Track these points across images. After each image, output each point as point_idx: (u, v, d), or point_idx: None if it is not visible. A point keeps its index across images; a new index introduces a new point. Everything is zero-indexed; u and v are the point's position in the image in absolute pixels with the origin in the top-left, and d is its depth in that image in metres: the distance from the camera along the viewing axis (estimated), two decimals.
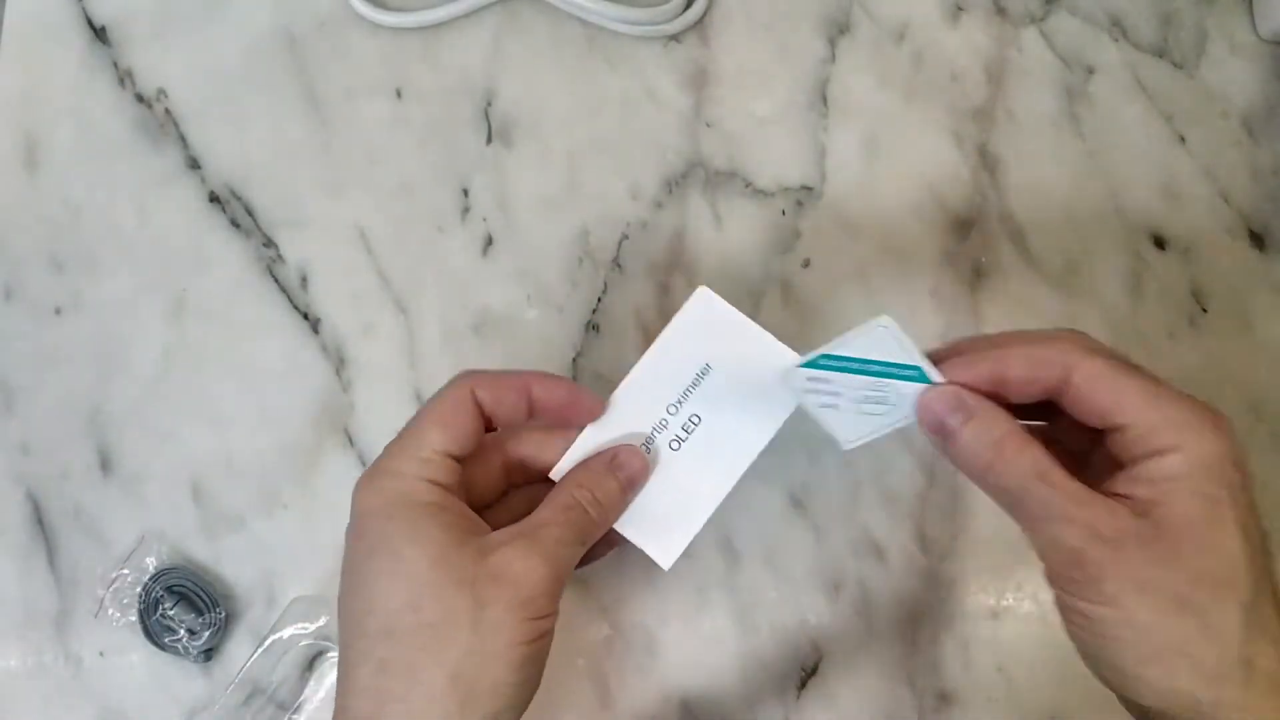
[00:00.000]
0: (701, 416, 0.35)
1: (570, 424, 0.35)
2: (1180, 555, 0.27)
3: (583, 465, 0.35)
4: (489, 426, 0.34)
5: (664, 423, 0.35)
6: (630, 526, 0.35)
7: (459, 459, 0.33)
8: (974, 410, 0.30)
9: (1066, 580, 0.28)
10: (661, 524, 0.35)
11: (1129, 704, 0.29)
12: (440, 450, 0.32)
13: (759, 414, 0.35)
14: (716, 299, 0.35)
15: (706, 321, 0.35)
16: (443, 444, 0.32)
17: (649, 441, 0.35)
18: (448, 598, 0.30)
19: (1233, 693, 0.26)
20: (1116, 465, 0.29)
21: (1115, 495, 0.28)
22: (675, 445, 0.35)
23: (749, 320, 0.35)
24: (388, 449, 0.33)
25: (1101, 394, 0.29)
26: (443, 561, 0.30)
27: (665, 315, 0.37)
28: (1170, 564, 0.27)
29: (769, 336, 0.35)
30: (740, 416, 0.35)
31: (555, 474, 0.35)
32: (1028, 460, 0.29)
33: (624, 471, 0.34)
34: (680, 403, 0.35)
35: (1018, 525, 0.30)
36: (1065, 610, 0.29)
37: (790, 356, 0.34)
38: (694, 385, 0.35)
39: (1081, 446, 0.32)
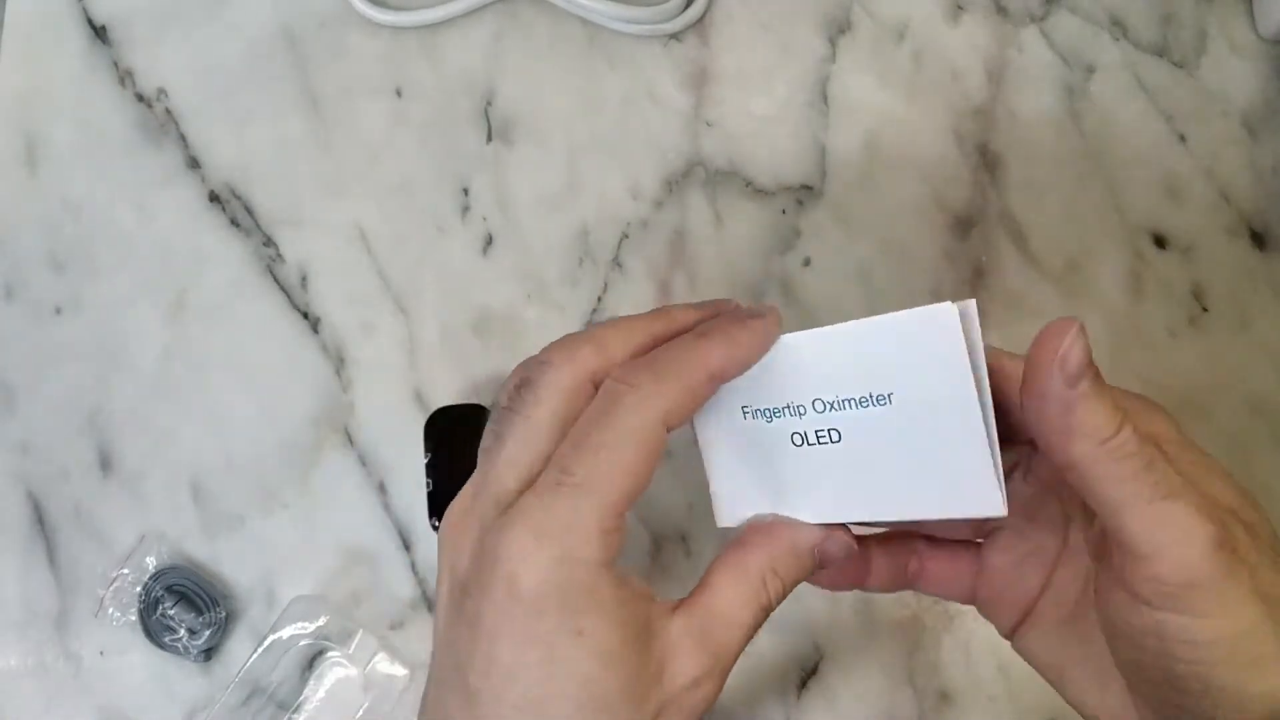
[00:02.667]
0: (841, 436, 0.27)
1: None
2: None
3: (781, 542, 0.27)
4: None
5: (800, 409, 0.27)
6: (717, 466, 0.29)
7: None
8: (1098, 371, 0.24)
9: (1172, 591, 0.23)
10: (740, 488, 0.29)
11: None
12: (623, 512, 0.24)
13: (914, 489, 0.27)
14: (973, 327, 0.25)
15: (929, 344, 0.25)
16: (628, 505, 0.24)
17: (773, 413, 0.28)
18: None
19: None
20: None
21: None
22: (799, 440, 0.28)
23: (981, 397, 0.25)
24: (553, 501, 0.24)
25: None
26: (616, 675, 0.23)
27: None
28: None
29: (982, 439, 0.25)
30: (888, 476, 0.27)
31: (724, 519, 0.29)
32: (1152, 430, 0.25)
33: (824, 561, 0.28)
34: (830, 407, 0.27)
35: (1112, 507, 0.24)
36: (1100, 585, 0.25)
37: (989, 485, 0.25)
38: (859, 404, 0.27)
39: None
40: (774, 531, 0.28)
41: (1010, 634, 0.30)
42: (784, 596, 0.27)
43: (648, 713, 0.24)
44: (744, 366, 0.27)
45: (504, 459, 0.25)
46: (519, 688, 0.23)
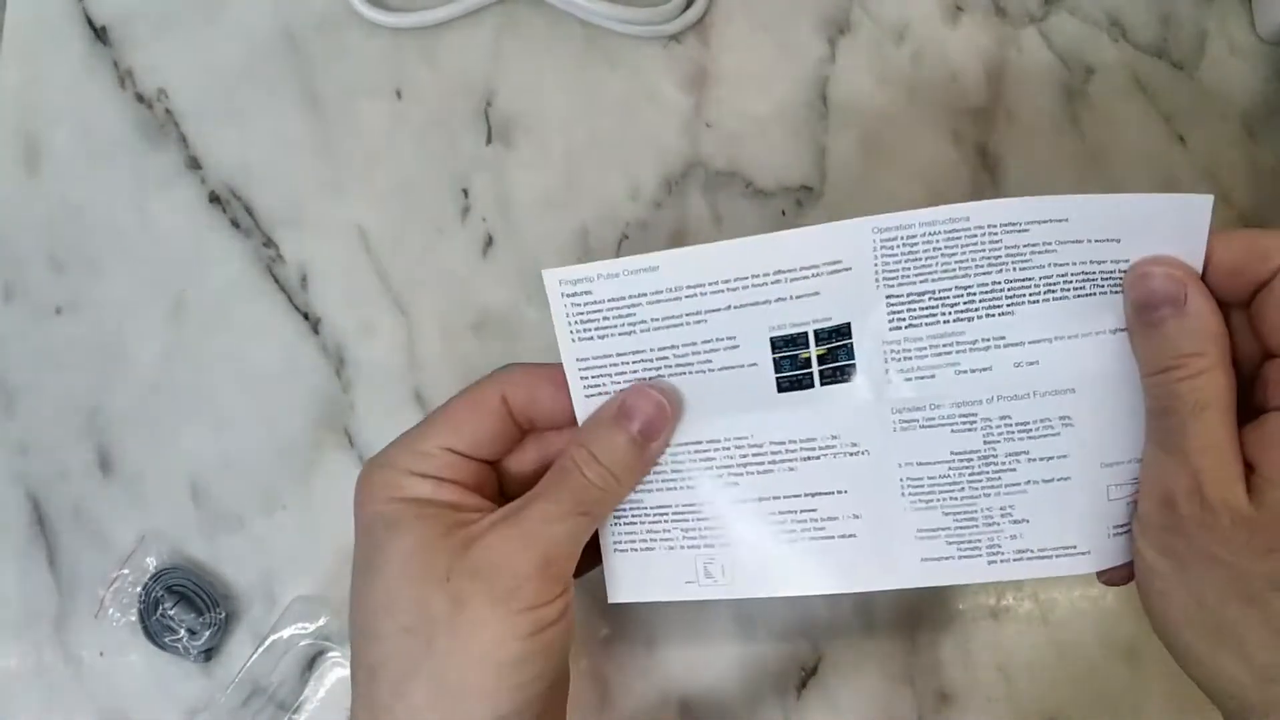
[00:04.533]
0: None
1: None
2: (1273, 550, 0.25)
3: (588, 420, 0.30)
4: (530, 428, 0.32)
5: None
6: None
7: (477, 459, 0.30)
8: (1186, 310, 0.27)
9: (1147, 515, 0.27)
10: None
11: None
12: (442, 445, 0.30)
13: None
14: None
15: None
16: (446, 440, 0.30)
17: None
18: (423, 599, 0.27)
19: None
20: (1262, 405, 0.27)
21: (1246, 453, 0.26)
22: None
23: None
24: (391, 442, 0.31)
25: None
26: (419, 559, 0.28)
27: None
28: (1262, 555, 0.25)
29: None
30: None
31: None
32: (1196, 387, 0.26)
33: (635, 422, 0.30)
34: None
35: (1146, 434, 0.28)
36: (1137, 541, 0.27)
37: None
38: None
39: (1242, 370, 0.28)
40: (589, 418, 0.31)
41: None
42: (595, 464, 0.29)
43: (449, 576, 0.28)
44: (552, 407, 0.31)
45: None
46: (353, 582, 0.30)
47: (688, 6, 0.46)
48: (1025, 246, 0.28)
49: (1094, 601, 0.42)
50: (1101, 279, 0.28)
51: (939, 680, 0.41)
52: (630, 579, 0.31)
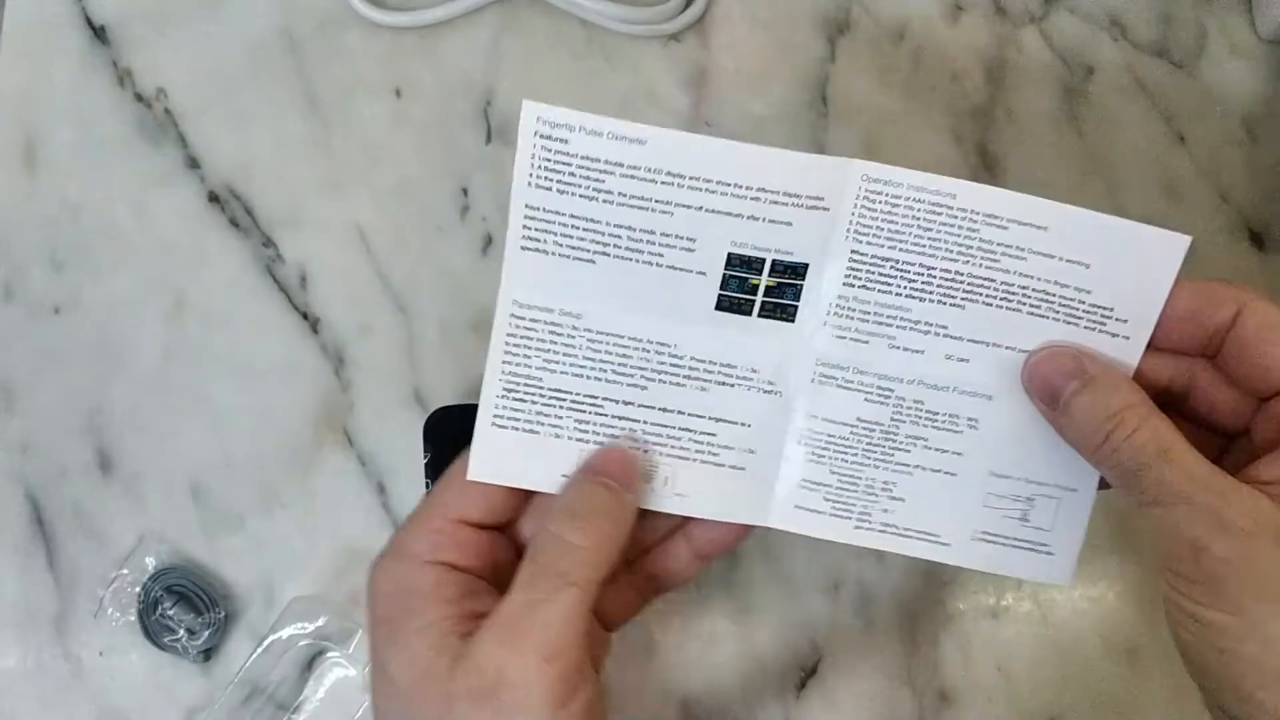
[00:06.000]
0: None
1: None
2: None
3: (549, 508, 0.28)
4: None
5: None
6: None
7: (490, 526, 0.28)
8: (1092, 376, 0.26)
9: (1180, 577, 0.24)
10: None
11: None
12: (454, 519, 0.28)
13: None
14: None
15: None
16: (461, 509, 0.28)
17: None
18: None
19: None
20: (1269, 447, 0.25)
21: (1259, 483, 0.24)
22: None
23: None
24: (407, 519, 0.29)
25: (1272, 345, 0.25)
26: (421, 683, 0.25)
27: None
28: None
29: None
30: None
31: None
32: (1148, 434, 0.25)
33: (606, 473, 0.28)
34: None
35: (1133, 509, 0.26)
36: (1174, 611, 0.25)
37: None
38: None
39: (1229, 424, 0.28)
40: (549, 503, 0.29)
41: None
42: (598, 528, 0.27)
43: (450, 703, 0.25)
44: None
45: None
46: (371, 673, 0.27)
47: (687, 6, 0.46)
48: (998, 245, 0.28)
49: (1094, 602, 0.42)
50: (1059, 304, 0.28)
51: (939, 680, 0.41)
52: (498, 458, 0.29)
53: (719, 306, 0.29)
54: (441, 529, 0.28)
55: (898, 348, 0.29)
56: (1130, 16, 0.46)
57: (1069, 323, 0.28)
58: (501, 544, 0.29)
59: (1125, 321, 0.28)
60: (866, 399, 0.30)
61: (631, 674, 0.42)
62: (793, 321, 0.29)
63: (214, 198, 0.46)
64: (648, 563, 0.32)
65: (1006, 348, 0.29)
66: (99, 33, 0.48)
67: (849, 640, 0.42)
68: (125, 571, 0.43)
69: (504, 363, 0.29)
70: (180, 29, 0.48)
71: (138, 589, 0.42)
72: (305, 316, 0.45)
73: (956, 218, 0.28)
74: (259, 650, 0.41)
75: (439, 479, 0.29)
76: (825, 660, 0.42)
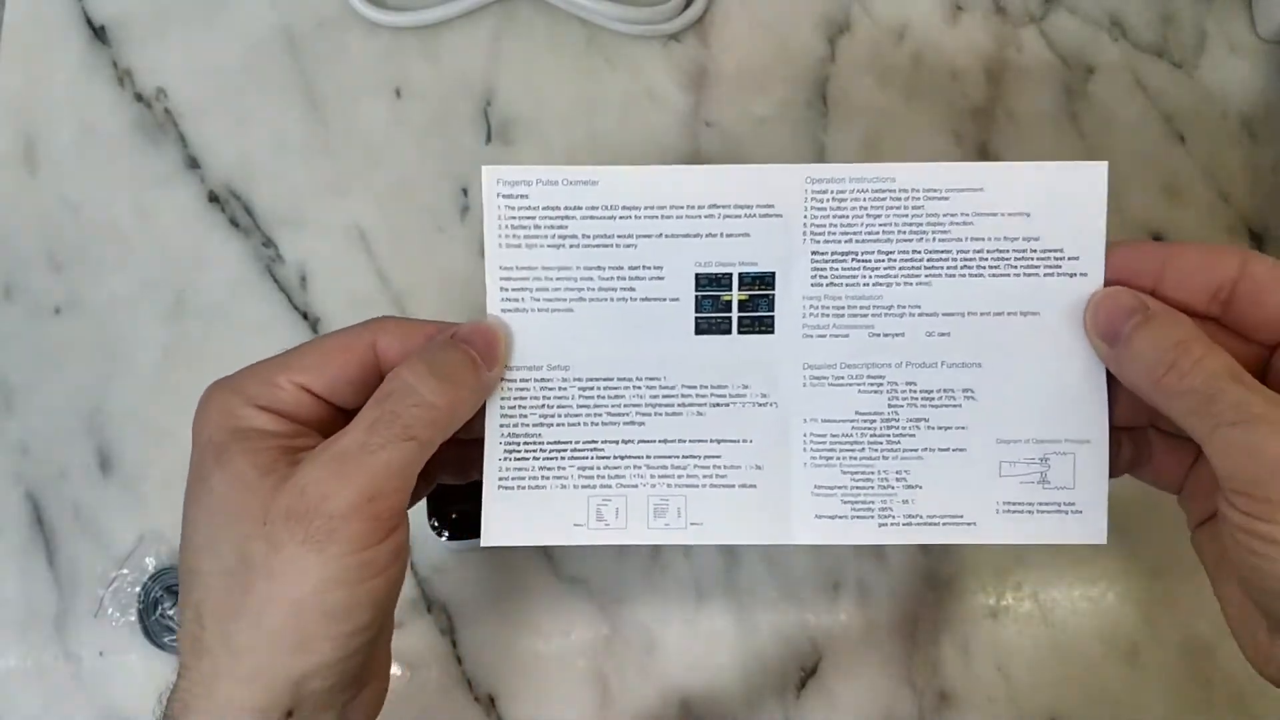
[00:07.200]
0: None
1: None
2: None
3: (420, 346, 0.28)
4: None
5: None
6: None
7: (330, 403, 0.28)
8: (1153, 311, 0.27)
9: (1256, 499, 0.24)
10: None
11: None
12: (296, 381, 0.28)
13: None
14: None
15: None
16: (303, 376, 0.28)
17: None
18: (241, 542, 0.25)
19: None
20: None
21: None
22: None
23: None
24: (246, 366, 0.29)
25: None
26: (237, 498, 0.26)
27: None
28: None
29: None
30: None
31: None
32: (1219, 359, 0.25)
33: (471, 344, 0.29)
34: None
35: (1196, 437, 0.26)
36: (1245, 537, 0.25)
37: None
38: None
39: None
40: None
41: (1194, 528, 0.30)
42: (452, 392, 0.27)
43: (266, 518, 0.25)
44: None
45: None
46: (184, 512, 0.27)
47: (688, 6, 0.46)
48: (944, 216, 0.29)
49: (1094, 602, 0.42)
50: (1015, 259, 0.29)
51: (939, 680, 0.41)
52: (511, 520, 0.30)
53: (699, 330, 0.30)
54: (281, 386, 0.28)
55: (878, 335, 0.30)
56: (1130, 16, 0.46)
57: (1028, 274, 0.29)
58: (342, 418, 0.28)
59: (1077, 259, 0.29)
60: (860, 391, 0.30)
61: (631, 674, 0.42)
62: (772, 332, 0.30)
63: (214, 198, 0.46)
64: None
65: (982, 313, 0.30)
66: (99, 33, 0.48)
67: (849, 640, 0.42)
68: (125, 571, 0.43)
69: (501, 426, 0.30)
70: (180, 29, 0.48)
71: (138, 589, 0.42)
72: (305, 316, 0.45)
73: (900, 199, 0.29)
74: None
75: (298, 345, 0.29)
76: (825, 660, 0.42)
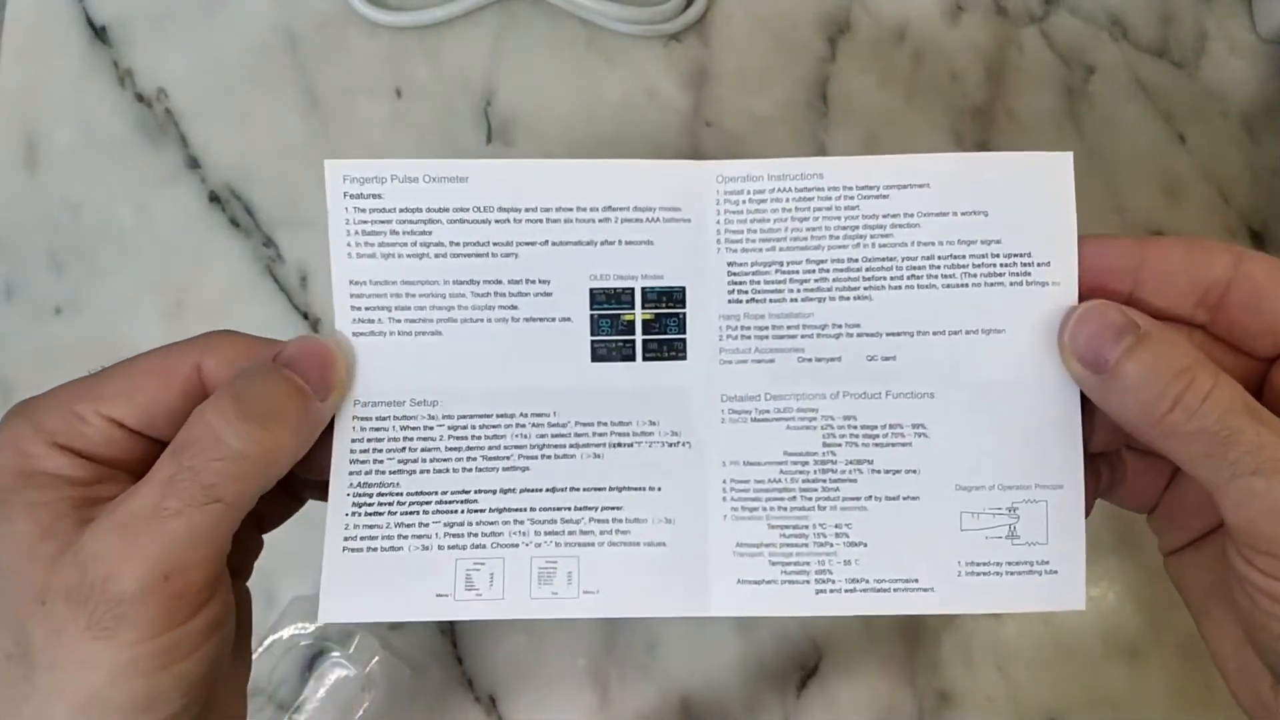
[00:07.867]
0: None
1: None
2: None
3: (235, 373, 0.23)
4: None
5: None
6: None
7: (146, 437, 0.24)
8: (1146, 331, 0.22)
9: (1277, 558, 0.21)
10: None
11: None
12: (104, 413, 0.23)
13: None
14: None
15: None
16: (112, 407, 0.23)
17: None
18: (20, 622, 0.21)
19: None
20: None
21: None
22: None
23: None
24: (54, 389, 0.24)
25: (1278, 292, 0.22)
26: (17, 564, 0.21)
27: None
28: None
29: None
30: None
31: None
32: (1231, 392, 0.21)
33: (295, 368, 0.23)
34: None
35: (1204, 483, 0.22)
36: (1265, 598, 0.22)
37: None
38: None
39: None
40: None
41: (1169, 553, 0.27)
42: (269, 436, 0.22)
43: (44, 596, 0.21)
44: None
45: None
46: None
47: (688, 6, 0.46)
48: (885, 218, 0.25)
49: (1094, 602, 0.42)
50: (973, 266, 0.25)
51: (939, 680, 0.41)
52: (354, 590, 0.25)
53: (595, 357, 0.25)
54: (85, 418, 0.23)
55: (809, 360, 0.25)
56: (1130, 16, 0.46)
57: (992, 283, 0.25)
58: (157, 451, 0.23)
59: (1047, 264, 0.25)
60: (789, 427, 0.25)
61: (631, 674, 0.42)
62: (684, 358, 0.25)
63: (214, 198, 0.46)
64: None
65: (934, 332, 0.25)
66: (99, 33, 0.48)
67: (849, 640, 0.42)
68: None
69: (350, 474, 0.25)
70: (180, 29, 0.48)
71: None
72: (305, 316, 0.45)
73: (830, 199, 0.25)
74: (259, 650, 0.40)
75: (112, 366, 0.24)
76: (825, 660, 0.42)
